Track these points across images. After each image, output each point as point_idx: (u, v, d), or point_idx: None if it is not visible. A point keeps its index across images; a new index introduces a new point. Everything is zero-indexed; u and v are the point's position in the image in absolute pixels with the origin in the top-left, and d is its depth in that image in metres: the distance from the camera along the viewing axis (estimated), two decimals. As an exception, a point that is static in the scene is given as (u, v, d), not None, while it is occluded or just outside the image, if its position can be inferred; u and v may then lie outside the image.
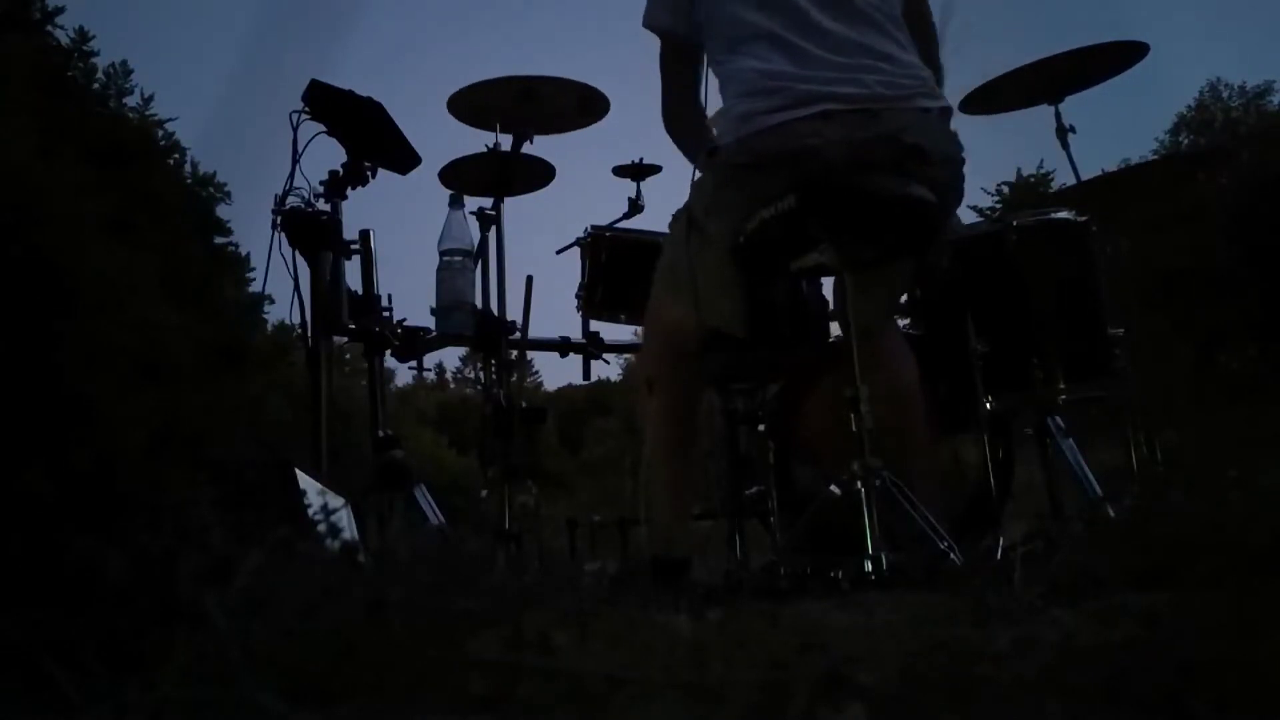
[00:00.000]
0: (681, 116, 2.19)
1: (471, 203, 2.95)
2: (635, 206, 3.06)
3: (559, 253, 3.03)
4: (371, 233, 2.74)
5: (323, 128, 2.59)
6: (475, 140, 2.93)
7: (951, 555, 1.78)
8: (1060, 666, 0.64)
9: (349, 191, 2.65)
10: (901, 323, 2.65)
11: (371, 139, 2.65)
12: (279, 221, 2.53)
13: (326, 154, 2.64)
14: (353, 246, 2.68)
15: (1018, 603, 0.87)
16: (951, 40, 2.22)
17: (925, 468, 2.10)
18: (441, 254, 2.89)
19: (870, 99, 1.91)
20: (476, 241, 2.88)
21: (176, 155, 14.01)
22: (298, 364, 2.70)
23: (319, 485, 1.64)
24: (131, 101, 13.51)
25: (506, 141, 2.88)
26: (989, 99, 2.72)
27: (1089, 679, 0.61)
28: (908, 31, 2.07)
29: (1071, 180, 2.74)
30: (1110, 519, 1.86)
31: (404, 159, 2.74)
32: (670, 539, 2.13)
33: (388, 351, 2.80)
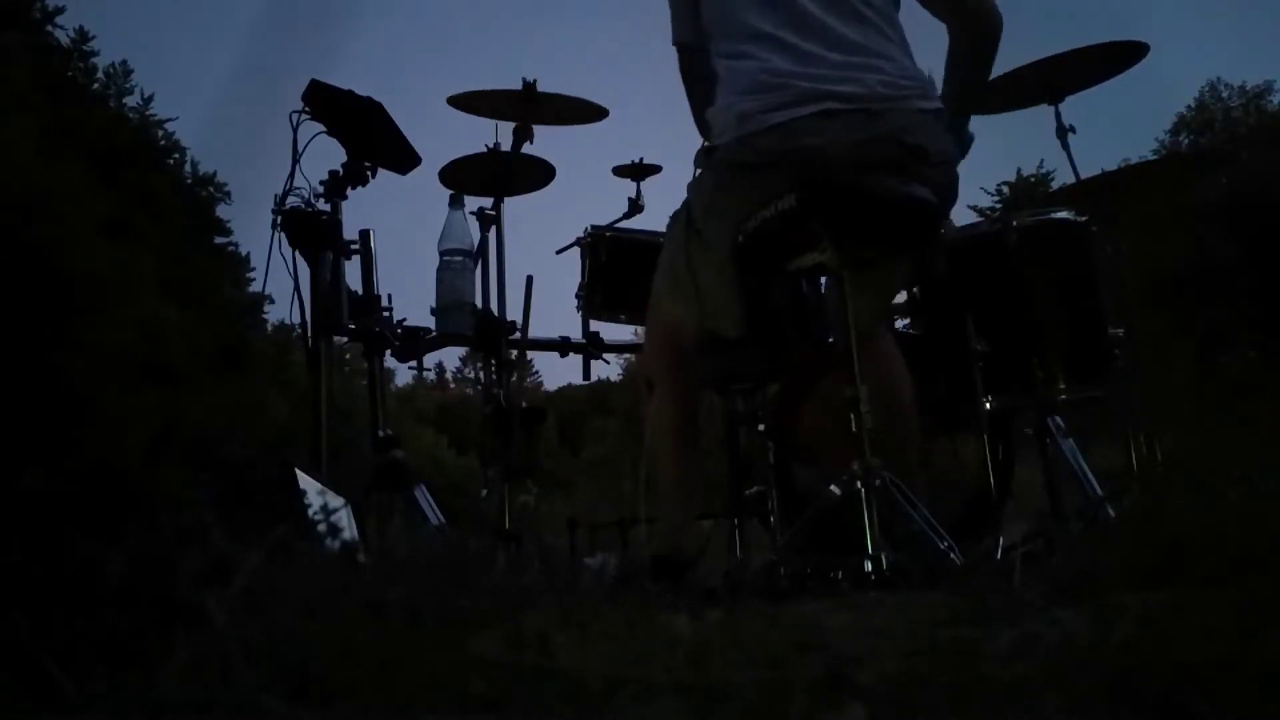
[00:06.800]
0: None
1: (471, 203, 2.95)
2: (635, 206, 3.06)
3: (559, 253, 3.04)
4: (371, 233, 2.74)
5: (323, 128, 2.59)
6: (475, 140, 2.93)
7: (951, 555, 1.78)
8: (1060, 666, 0.64)
9: (349, 191, 2.65)
10: (901, 323, 2.65)
11: (371, 139, 2.65)
12: (279, 221, 2.53)
13: (326, 154, 2.64)
14: (353, 246, 2.68)
15: (1018, 603, 0.87)
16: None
17: (920, 468, 2.10)
18: (441, 254, 2.89)
19: (870, 98, 1.91)
20: (476, 241, 2.88)
21: (176, 155, 13.99)
22: (298, 364, 2.70)
23: (319, 485, 1.64)
24: (131, 101, 13.50)
25: (506, 141, 2.89)
26: (989, 99, 2.72)
27: (1089, 679, 0.61)
28: (902, 30, 2.07)
29: (1071, 180, 2.74)
30: (1110, 519, 1.86)
31: (404, 159, 2.74)
32: (677, 542, 2.12)
33: (388, 351, 2.79)
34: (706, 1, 2.08)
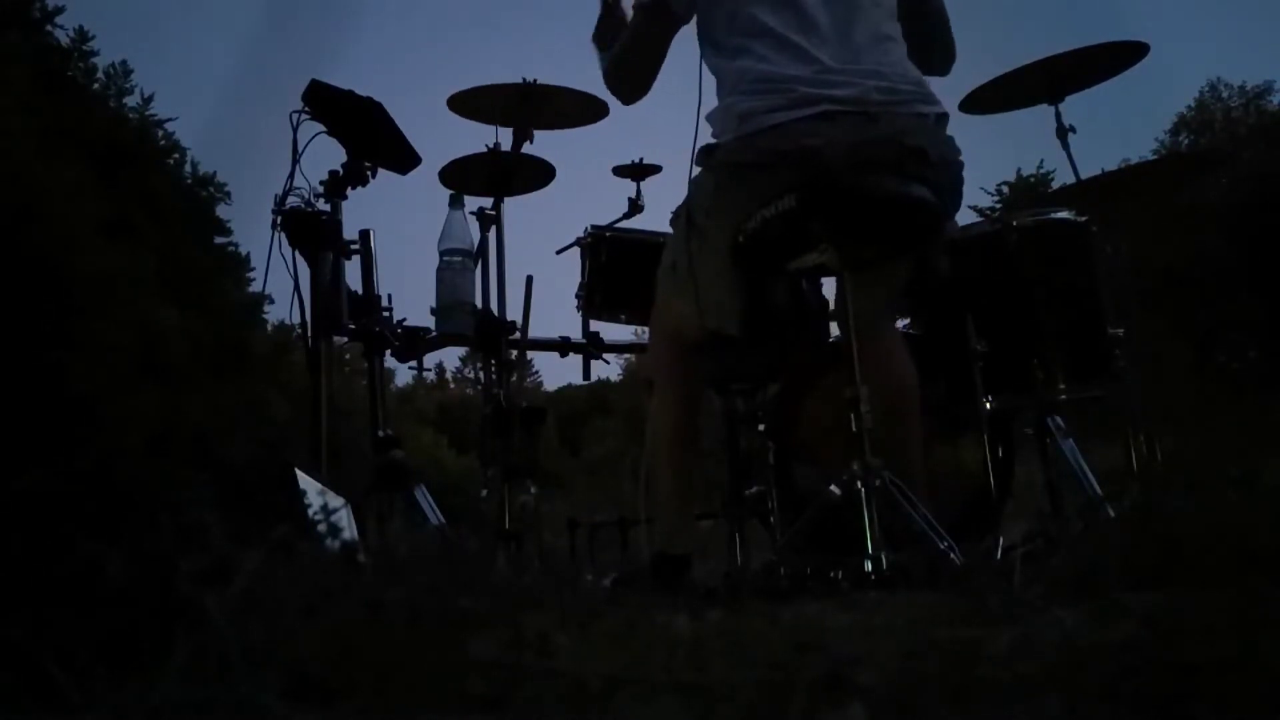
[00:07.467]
0: (637, 79, 2.18)
1: (471, 203, 2.95)
2: (635, 206, 3.06)
3: (559, 253, 3.03)
4: (371, 233, 2.73)
5: (323, 128, 2.59)
6: (475, 140, 2.93)
7: (951, 555, 1.78)
8: (1060, 666, 0.64)
9: (349, 191, 2.65)
10: (901, 323, 2.66)
11: (371, 139, 2.64)
12: (279, 221, 2.53)
13: (326, 154, 2.63)
14: (353, 246, 2.68)
15: (1018, 603, 0.87)
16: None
17: (922, 469, 2.10)
18: (441, 254, 2.89)
19: (869, 102, 1.92)
20: (476, 241, 2.87)
21: (176, 155, 13.95)
22: (298, 364, 2.69)
23: (319, 485, 1.64)
24: (131, 101, 13.45)
25: (506, 141, 2.89)
26: (989, 99, 2.72)
27: (1089, 679, 0.61)
28: (903, 31, 2.07)
29: (1071, 180, 2.74)
30: (1110, 519, 1.86)
31: (404, 159, 2.74)
32: (673, 536, 2.13)
33: (388, 351, 2.79)
34: None
